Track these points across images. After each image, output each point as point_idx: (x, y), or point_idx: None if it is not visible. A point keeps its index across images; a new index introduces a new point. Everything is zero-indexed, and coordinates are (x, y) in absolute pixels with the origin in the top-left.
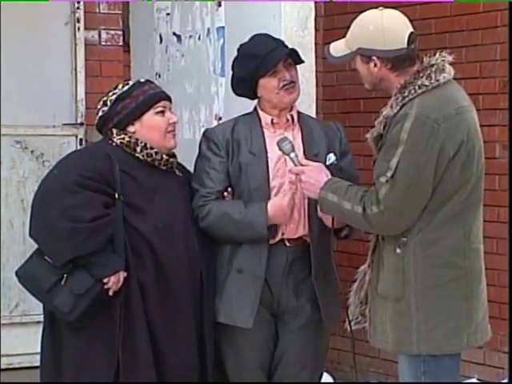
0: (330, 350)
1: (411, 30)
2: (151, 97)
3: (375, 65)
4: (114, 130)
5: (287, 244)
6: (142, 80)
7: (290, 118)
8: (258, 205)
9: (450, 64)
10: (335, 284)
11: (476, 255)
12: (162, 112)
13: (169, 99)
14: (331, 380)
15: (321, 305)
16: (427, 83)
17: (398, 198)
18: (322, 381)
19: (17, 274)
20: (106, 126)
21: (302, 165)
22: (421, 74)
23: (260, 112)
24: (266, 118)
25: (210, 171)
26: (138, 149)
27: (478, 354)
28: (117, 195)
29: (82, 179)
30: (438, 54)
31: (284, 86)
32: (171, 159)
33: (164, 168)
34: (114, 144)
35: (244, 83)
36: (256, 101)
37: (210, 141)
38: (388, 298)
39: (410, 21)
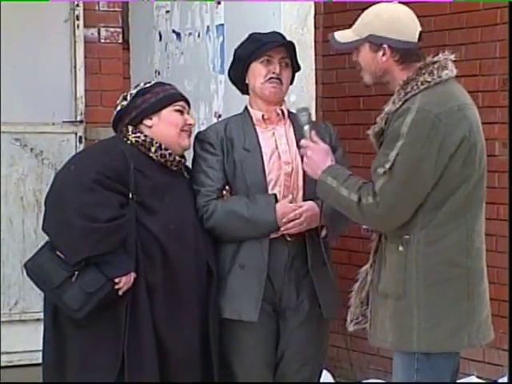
0: (329, 347)
1: (420, 28)
2: (172, 95)
3: (384, 54)
4: (130, 128)
5: (288, 239)
6: (165, 82)
7: (280, 112)
8: (264, 199)
9: (453, 62)
10: (332, 276)
11: (478, 254)
12: (181, 111)
13: (187, 103)
14: (330, 377)
15: (319, 295)
16: (429, 79)
17: (395, 190)
18: (322, 379)
19: (25, 265)
20: (122, 121)
21: (313, 141)
22: (423, 71)
23: (250, 110)
24: (256, 115)
25: (208, 170)
26: (153, 149)
27: (477, 352)
28: (131, 195)
29: (100, 177)
30: (440, 53)
31: (270, 78)
32: (182, 160)
33: (175, 169)
34: (129, 142)
35: (238, 64)
36: (247, 101)
37: (203, 142)
38: (389, 296)
39: None
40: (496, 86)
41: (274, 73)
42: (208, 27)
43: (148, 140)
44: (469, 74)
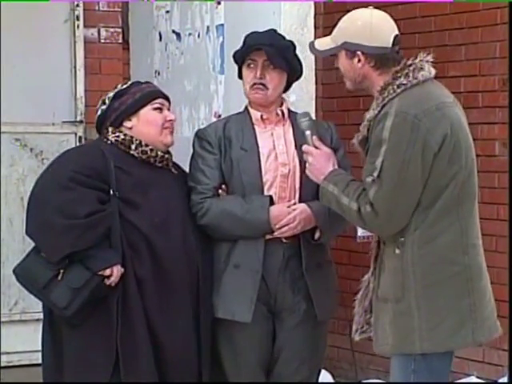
0: (329, 347)
1: (397, 32)
2: (148, 93)
3: (359, 60)
4: (110, 129)
5: (283, 240)
6: (142, 81)
7: (280, 112)
8: (259, 200)
9: (433, 63)
10: (331, 278)
11: (475, 251)
12: (160, 109)
13: (167, 99)
14: (330, 377)
15: (313, 298)
16: (405, 82)
17: (387, 197)
18: (321, 378)
19: (14, 271)
20: (104, 124)
21: (315, 146)
22: (399, 74)
23: (250, 109)
24: (255, 115)
25: (205, 168)
26: (133, 146)
27: (477, 352)
28: (112, 191)
29: (75, 175)
30: (419, 56)
31: (254, 84)
32: (166, 155)
33: (160, 165)
34: (109, 142)
35: (237, 67)
36: (247, 101)
37: (202, 140)
38: (388, 300)
39: (410, 18)
40: (496, 85)
41: (255, 77)
42: (208, 27)
43: (127, 138)
44: (469, 74)
